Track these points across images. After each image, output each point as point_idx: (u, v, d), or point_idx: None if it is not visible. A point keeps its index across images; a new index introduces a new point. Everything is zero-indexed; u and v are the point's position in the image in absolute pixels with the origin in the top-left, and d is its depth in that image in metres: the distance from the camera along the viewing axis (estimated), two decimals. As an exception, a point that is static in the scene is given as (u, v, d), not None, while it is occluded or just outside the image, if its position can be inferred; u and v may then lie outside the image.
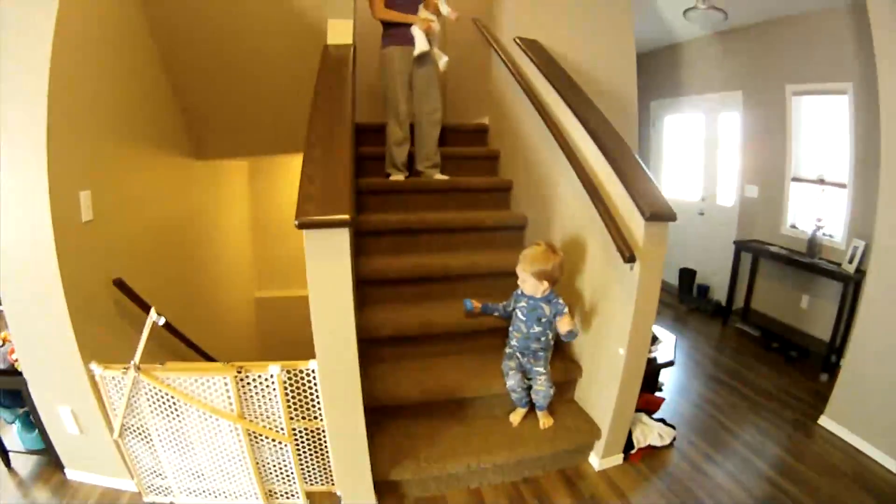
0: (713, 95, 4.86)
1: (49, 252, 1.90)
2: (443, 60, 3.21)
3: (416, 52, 3.10)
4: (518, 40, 3.07)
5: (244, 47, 2.96)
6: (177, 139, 3.17)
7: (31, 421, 2.33)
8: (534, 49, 2.98)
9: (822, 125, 3.90)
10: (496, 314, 2.54)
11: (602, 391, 2.38)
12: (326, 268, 1.69)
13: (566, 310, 2.30)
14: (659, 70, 5.38)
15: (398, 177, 3.29)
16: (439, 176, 3.34)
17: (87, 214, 2.10)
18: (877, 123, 2.59)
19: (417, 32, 3.08)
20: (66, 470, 2.35)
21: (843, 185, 3.72)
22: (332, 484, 2.18)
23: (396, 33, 3.12)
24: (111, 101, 2.36)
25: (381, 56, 3.19)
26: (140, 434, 2.10)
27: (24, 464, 2.47)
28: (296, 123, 3.11)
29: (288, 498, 2.16)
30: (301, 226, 1.59)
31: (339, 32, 2.74)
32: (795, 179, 4.11)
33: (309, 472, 2.15)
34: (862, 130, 3.49)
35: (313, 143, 1.92)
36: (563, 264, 2.30)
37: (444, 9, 3.16)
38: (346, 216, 1.59)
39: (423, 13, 3.12)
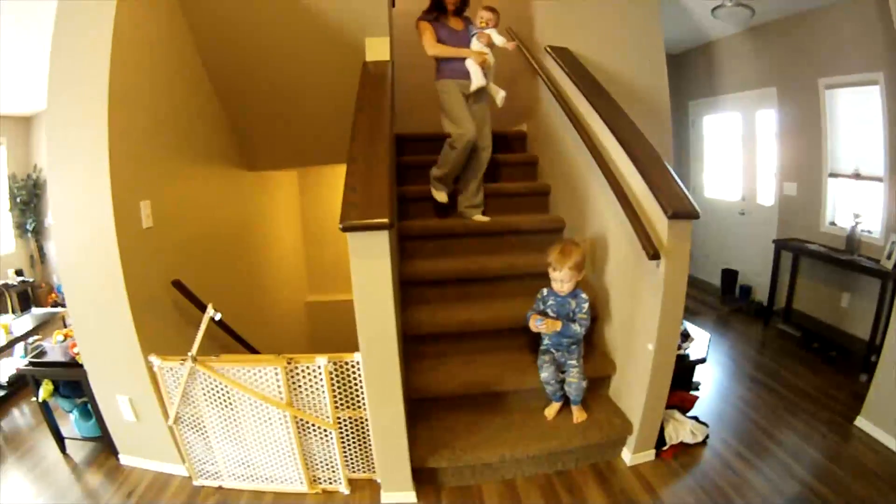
0: (749, 93, 4.81)
1: (113, 256, 2.11)
2: (500, 95, 3.09)
3: (474, 87, 2.95)
4: (549, 49, 3.15)
5: (288, 67, 3.11)
6: (228, 153, 3.38)
7: (89, 410, 2.55)
8: (564, 57, 3.06)
9: (856, 118, 3.82)
10: None
11: (633, 387, 2.42)
12: (368, 266, 1.83)
13: (587, 304, 2.38)
14: (694, 70, 5.36)
15: (441, 196, 3.17)
16: (480, 217, 3.20)
17: (147, 222, 2.32)
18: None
19: (473, 67, 2.93)
20: (119, 455, 2.55)
21: (879, 179, 3.64)
22: (373, 472, 2.31)
23: (449, 68, 2.99)
24: (167, 119, 2.57)
25: (438, 86, 3.03)
26: (193, 422, 2.28)
27: (78, 450, 2.69)
28: (338, 136, 3.28)
29: (330, 484, 2.30)
30: (345, 229, 1.75)
31: (377, 50, 2.87)
32: (832, 175, 4.03)
33: (351, 459, 2.28)
34: (894, 121, 3.41)
35: (355, 156, 2.07)
36: (585, 254, 2.40)
37: (498, 39, 3.01)
38: (386, 220, 1.74)
39: (477, 46, 2.98)
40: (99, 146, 2.05)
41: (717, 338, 4.15)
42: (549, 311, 2.43)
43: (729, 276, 5.12)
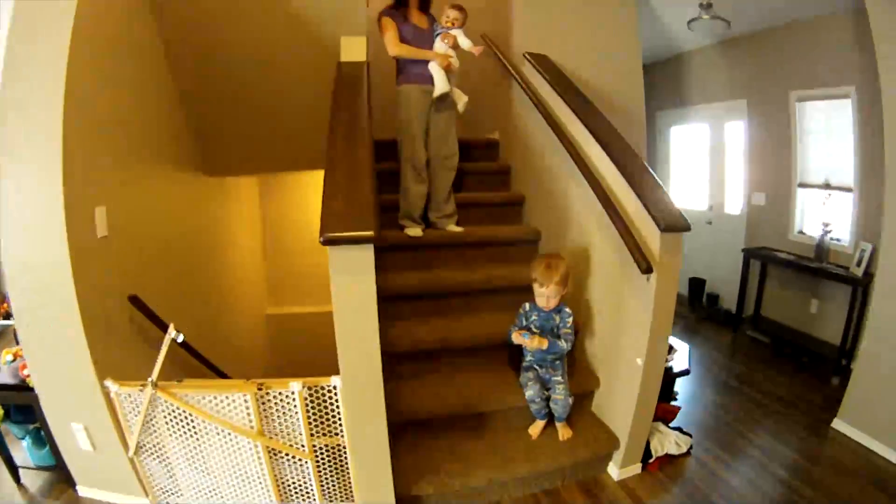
0: (718, 104, 4.89)
1: (64, 267, 1.91)
2: (462, 101, 2.93)
3: (437, 92, 2.80)
4: (528, 55, 3.09)
5: (255, 63, 2.95)
6: (188, 156, 3.18)
7: (43, 437, 2.33)
8: (543, 63, 3.01)
9: (827, 130, 3.92)
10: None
11: (620, 401, 2.38)
12: (351, 283, 1.69)
13: (571, 319, 2.34)
14: (664, 81, 5.42)
15: (415, 231, 2.97)
16: (454, 227, 3.06)
17: (101, 230, 2.11)
18: (880, 126, 2.61)
19: (437, 70, 2.79)
20: (77, 486, 2.34)
21: (848, 189, 3.74)
22: (352, 501, 2.16)
23: (413, 71, 2.83)
24: (126, 118, 2.38)
25: (397, 94, 2.87)
26: (156, 452, 2.08)
27: (34, 480, 2.46)
28: (306, 141, 3.14)
29: (307, 515, 2.15)
30: (326, 242, 1.59)
31: (353, 49, 2.72)
32: (802, 185, 4.13)
33: (328, 488, 2.13)
34: (865, 134, 3.52)
35: (334, 161, 1.93)
36: (569, 267, 2.35)
37: (464, 42, 2.85)
38: (371, 233, 1.60)
39: (441, 47, 2.83)
40: (52, 145, 1.85)
41: (689, 345, 4.17)
42: (532, 326, 2.37)
43: (696, 284, 5.19)
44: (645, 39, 3.49)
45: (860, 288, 3.43)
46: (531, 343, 2.27)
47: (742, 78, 4.52)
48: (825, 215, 3.85)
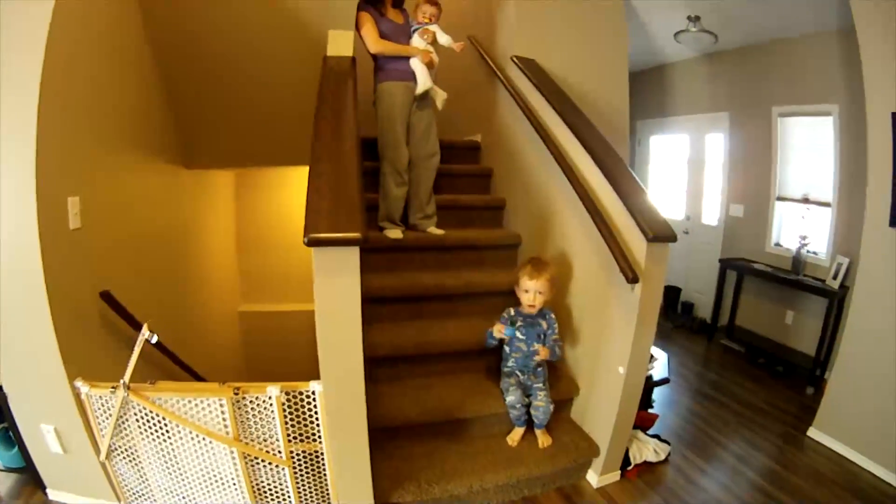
0: (700, 116, 4.96)
1: (34, 260, 1.82)
2: (441, 98, 2.90)
3: (420, 89, 2.77)
4: (515, 59, 3.08)
5: (240, 56, 2.89)
6: (166, 147, 3.08)
7: (12, 438, 2.24)
8: (531, 68, 3.00)
9: (808, 146, 3.99)
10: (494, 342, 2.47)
11: (600, 409, 2.38)
12: (335, 287, 1.64)
13: (556, 325, 2.37)
14: (646, 90, 5.47)
15: (395, 233, 2.91)
16: (434, 230, 3.02)
17: (74, 222, 2.02)
18: (861, 144, 2.68)
19: (419, 66, 2.75)
20: (47, 490, 2.25)
21: (827, 204, 3.82)
22: (330, 506, 2.13)
23: (393, 67, 2.77)
24: (104, 104, 2.29)
25: (381, 90, 2.81)
26: (128, 455, 2.01)
27: (3, 482, 2.36)
28: (290, 136, 3.08)
29: (283, 522, 2.09)
30: (310, 243, 1.53)
31: (340, 44, 2.66)
32: (780, 199, 4.20)
33: (306, 496, 2.08)
34: (846, 151, 3.60)
35: (320, 156, 1.88)
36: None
37: (444, 38, 2.84)
38: (358, 234, 1.55)
39: (420, 43, 2.80)
40: (26, 130, 1.77)
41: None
42: (518, 332, 2.35)
43: (672, 292, 5.24)
44: (631, 48, 3.51)
45: (836, 300, 3.49)
46: (541, 355, 2.30)
47: (725, 91, 4.59)
48: (803, 229, 3.92)
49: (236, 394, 1.83)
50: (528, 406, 2.37)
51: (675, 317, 5.15)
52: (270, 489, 2.03)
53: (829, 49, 3.61)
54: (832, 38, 3.57)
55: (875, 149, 2.55)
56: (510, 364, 2.40)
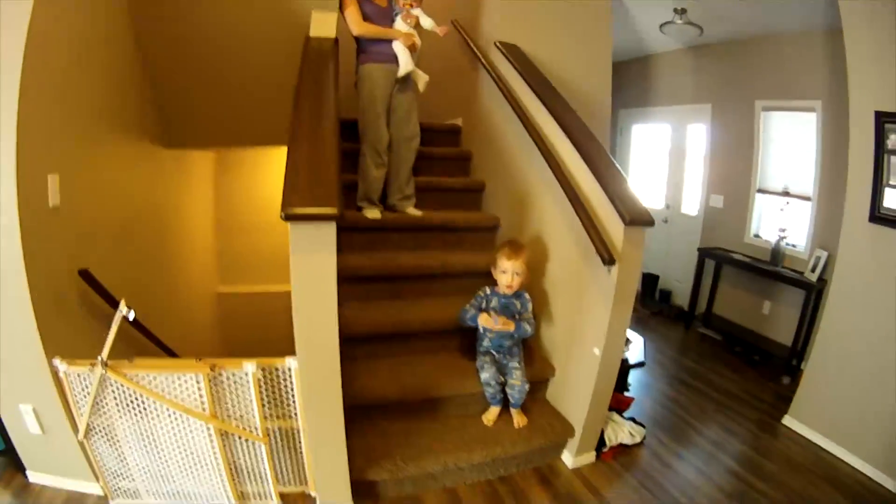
0: (682, 107, 5.00)
1: (13, 237, 1.81)
2: (423, 80, 2.90)
3: (402, 72, 2.77)
4: (498, 44, 3.09)
5: (223, 34, 2.88)
6: (147, 125, 3.05)
7: (-9, 420, 2.20)
8: (514, 53, 3.01)
9: (790, 140, 4.05)
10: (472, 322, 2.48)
11: (576, 390, 2.41)
12: (311, 261, 1.66)
13: (531, 304, 2.40)
14: (629, 80, 5.50)
15: (374, 213, 2.92)
16: (413, 210, 3.06)
17: (54, 199, 2.00)
18: (843, 140, 2.71)
19: (401, 49, 2.75)
20: (27, 472, 2.23)
21: (807, 198, 3.88)
22: (306, 484, 2.14)
23: (376, 50, 2.77)
24: (85, 80, 2.27)
25: (362, 72, 2.81)
26: (106, 434, 2.01)
27: (-17, 464, 2.34)
28: (272, 115, 3.06)
29: (260, 499, 2.11)
30: (287, 218, 1.55)
31: (323, 25, 2.66)
32: (761, 191, 4.26)
33: (282, 472, 2.11)
34: (828, 146, 3.65)
35: (298, 134, 1.89)
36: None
37: (427, 22, 2.84)
38: (334, 210, 1.57)
39: (402, 26, 2.80)
40: (8, 107, 1.76)
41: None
42: (491, 311, 2.37)
43: (649, 280, 5.30)
44: (616, 38, 3.53)
45: (814, 293, 3.55)
46: (499, 325, 2.28)
47: (709, 83, 4.63)
48: (782, 221, 3.98)
49: (213, 370, 1.84)
50: (503, 385, 2.39)
51: (652, 304, 5.21)
52: (247, 467, 2.04)
53: (815, 47, 3.65)
54: (818, 36, 3.61)
55: (857, 145, 2.59)
56: (485, 344, 2.43)
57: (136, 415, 1.93)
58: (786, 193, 4.05)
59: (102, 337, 1.87)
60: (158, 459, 2.03)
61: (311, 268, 1.66)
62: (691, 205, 5.04)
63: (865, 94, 2.52)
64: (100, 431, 2.00)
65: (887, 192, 2.48)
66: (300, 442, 2.03)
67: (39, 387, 1.98)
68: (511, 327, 2.31)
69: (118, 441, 2.00)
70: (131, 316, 1.91)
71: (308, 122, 1.98)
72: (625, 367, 2.82)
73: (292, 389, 1.91)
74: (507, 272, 2.32)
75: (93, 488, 2.17)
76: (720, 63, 4.49)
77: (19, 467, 2.23)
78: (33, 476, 2.23)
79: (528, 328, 2.36)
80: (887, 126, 2.43)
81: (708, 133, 4.70)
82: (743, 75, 4.28)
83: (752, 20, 3.83)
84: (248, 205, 5.25)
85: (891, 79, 2.39)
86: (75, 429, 2.00)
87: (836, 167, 3.37)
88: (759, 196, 4.27)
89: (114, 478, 2.10)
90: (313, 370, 1.80)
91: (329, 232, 1.63)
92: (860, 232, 2.60)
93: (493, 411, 2.42)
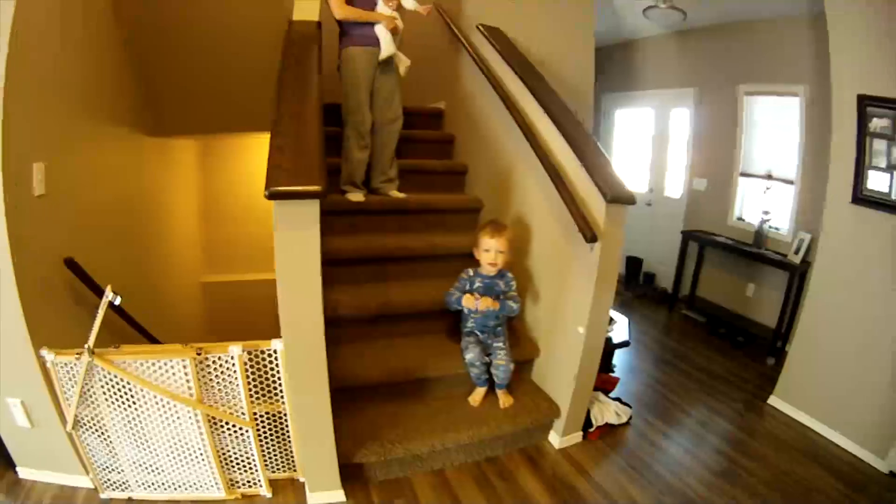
0: (665, 91, 5.02)
1: (-1, 226, 1.79)
2: (405, 64, 2.91)
3: (383, 55, 2.77)
4: (481, 27, 3.09)
5: (206, 20, 2.87)
6: (130, 113, 3.03)
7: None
8: (496, 36, 3.02)
9: (773, 124, 4.08)
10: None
11: (561, 370, 2.43)
12: (295, 239, 1.66)
13: (515, 283, 2.41)
14: (613, 64, 5.51)
15: (357, 196, 2.93)
16: (396, 193, 3.06)
17: (39, 188, 1.98)
18: (826, 124, 2.74)
19: (383, 32, 2.74)
20: (17, 468, 2.19)
21: (790, 182, 3.92)
22: (294, 470, 2.15)
23: (358, 33, 2.77)
24: (71, 68, 2.26)
25: (345, 55, 2.80)
26: (95, 426, 1.99)
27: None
28: (256, 101, 3.05)
29: (250, 486, 2.11)
30: (271, 196, 1.55)
31: (306, 8, 2.65)
32: (744, 174, 4.30)
33: (270, 458, 2.11)
34: (811, 130, 3.69)
35: (282, 115, 1.88)
36: None
37: (410, 3, 2.85)
38: (318, 187, 1.57)
39: (385, 9, 2.78)
40: None
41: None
42: (475, 292, 2.38)
43: (633, 263, 5.35)
44: (599, 22, 3.54)
45: (797, 275, 3.60)
46: (482, 304, 2.29)
47: (692, 67, 4.65)
48: (765, 204, 4.02)
49: (199, 354, 1.84)
50: (488, 365, 2.40)
51: (636, 286, 5.25)
52: (235, 453, 2.05)
53: (798, 32, 3.67)
54: (801, 21, 3.63)
55: (840, 129, 2.62)
56: (469, 324, 2.44)
57: (123, 404, 1.92)
58: (769, 177, 4.09)
59: (89, 327, 1.85)
60: (148, 450, 2.01)
61: (295, 245, 1.66)
62: (675, 188, 5.08)
63: (848, 78, 2.55)
64: (88, 423, 1.98)
65: (870, 174, 2.51)
66: (287, 427, 2.03)
67: (27, 379, 1.95)
68: (496, 307, 2.31)
69: (107, 432, 1.99)
70: (117, 301, 1.90)
71: (292, 103, 1.97)
72: (609, 347, 2.83)
73: (279, 372, 1.92)
74: (491, 250, 2.32)
75: (83, 482, 2.14)
76: (704, 48, 4.51)
77: (9, 464, 2.19)
78: (23, 472, 2.19)
79: (513, 306, 2.36)
80: (869, 109, 2.46)
81: (691, 117, 4.74)
82: (726, 60, 4.30)
83: (735, 5, 3.85)
84: (233, 194, 5.25)
85: (873, 63, 2.42)
86: (64, 421, 1.98)
87: (819, 150, 3.41)
88: (742, 179, 4.31)
89: (103, 470, 2.08)
90: (299, 350, 1.80)
91: (313, 209, 1.63)
92: (843, 213, 2.63)
93: (479, 392, 2.43)
